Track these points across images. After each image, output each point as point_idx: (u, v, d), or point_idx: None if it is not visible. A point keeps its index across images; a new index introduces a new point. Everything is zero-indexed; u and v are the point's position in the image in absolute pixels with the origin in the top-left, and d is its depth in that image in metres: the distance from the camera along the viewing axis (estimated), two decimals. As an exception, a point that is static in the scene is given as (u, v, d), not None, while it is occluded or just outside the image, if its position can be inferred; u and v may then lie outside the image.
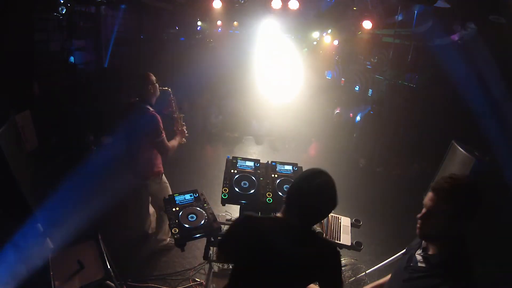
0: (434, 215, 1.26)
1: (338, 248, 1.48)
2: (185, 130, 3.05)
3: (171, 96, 3.01)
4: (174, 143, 2.88)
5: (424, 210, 1.30)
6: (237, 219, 1.57)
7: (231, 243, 1.48)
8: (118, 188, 3.21)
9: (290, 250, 1.34)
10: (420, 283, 1.27)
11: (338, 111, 7.20)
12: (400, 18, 5.46)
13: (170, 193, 2.74)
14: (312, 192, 1.33)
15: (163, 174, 3.04)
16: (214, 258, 1.68)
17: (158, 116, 2.70)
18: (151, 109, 2.74)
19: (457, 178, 1.26)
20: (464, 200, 1.22)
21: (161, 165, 2.96)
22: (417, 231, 1.32)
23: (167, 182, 3.09)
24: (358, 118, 6.69)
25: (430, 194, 1.28)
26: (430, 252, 1.31)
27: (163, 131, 2.73)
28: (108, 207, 3.31)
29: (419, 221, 1.31)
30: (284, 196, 1.46)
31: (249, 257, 1.41)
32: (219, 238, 1.57)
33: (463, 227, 1.25)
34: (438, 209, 1.25)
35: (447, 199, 1.23)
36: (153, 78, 2.77)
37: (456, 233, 1.26)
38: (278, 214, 1.47)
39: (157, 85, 2.80)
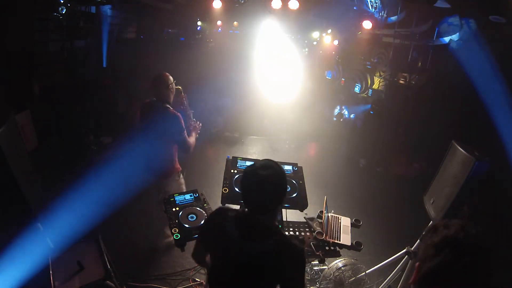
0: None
1: (301, 253, 1.42)
2: (199, 125, 3.08)
3: (182, 93, 3.04)
4: (192, 139, 2.93)
5: None
6: (214, 210, 1.61)
7: (201, 233, 1.64)
8: (136, 188, 3.29)
9: (239, 243, 1.35)
10: None
11: (338, 110, 7.20)
12: (400, 18, 5.46)
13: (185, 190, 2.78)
14: (252, 187, 1.37)
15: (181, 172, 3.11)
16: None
17: (179, 114, 2.77)
18: (171, 108, 2.79)
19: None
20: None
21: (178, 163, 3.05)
22: None
23: (183, 179, 3.15)
24: (352, 115, 6.71)
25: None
26: None
27: (185, 129, 2.79)
28: (118, 208, 3.33)
29: None
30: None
31: (211, 249, 1.49)
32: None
33: None
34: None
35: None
36: (171, 77, 2.83)
37: None
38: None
39: (174, 84, 2.86)
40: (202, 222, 1.64)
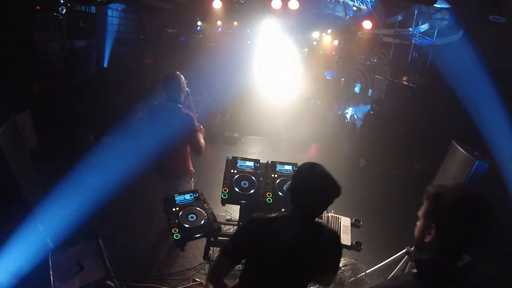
0: (420, 218, 1.21)
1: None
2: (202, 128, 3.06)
3: (190, 96, 3.01)
4: (202, 140, 2.89)
5: None
6: (244, 225, 1.57)
7: (238, 248, 1.50)
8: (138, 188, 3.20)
9: (298, 244, 1.40)
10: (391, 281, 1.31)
11: (346, 111, 7.19)
12: (400, 18, 5.46)
13: None
14: (314, 183, 1.38)
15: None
16: (211, 270, 1.65)
17: (192, 114, 2.74)
18: (183, 108, 2.76)
19: (446, 187, 1.14)
20: (440, 211, 1.11)
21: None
22: None
23: (192, 183, 3.12)
24: (348, 112, 6.69)
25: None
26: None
27: (197, 129, 2.77)
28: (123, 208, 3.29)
29: None
30: (286, 193, 1.49)
31: (259, 257, 1.45)
32: (223, 245, 1.55)
33: (434, 241, 1.11)
34: (421, 213, 1.20)
35: (428, 203, 1.17)
36: (182, 77, 2.78)
37: (430, 246, 1.14)
38: (284, 213, 1.51)
39: (185, 84, 2.82)
40: (234, 237, 1.51)
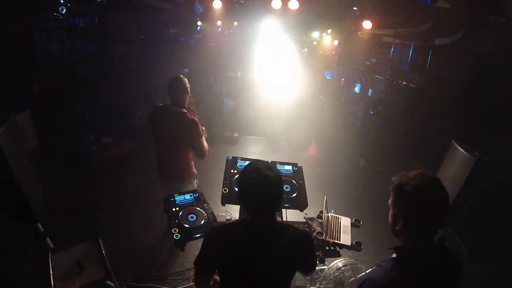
0: (390, 207, 1.27)
1: (310, 234, 1.58)
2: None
3: (192, 99, 3.03)
4: (205, 144, 2.92)
5: None
6: (206, 235, 1.52)
7: (206, 260, 1.47)
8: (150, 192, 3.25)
9: (257, 248, 1.35)
10: (369, 270, 1.32)
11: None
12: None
13: None
14: (250, 180, 1.33)
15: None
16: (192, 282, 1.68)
17: (197, 119, 2.77)
18: (187, 113, 2.78)
19: (410, 173, 1.21)
20: (399, 195, 1.20)
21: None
22: None
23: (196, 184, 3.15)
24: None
25: None
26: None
27: (202, 135, 2.81)
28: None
29: None
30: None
31: (224, 266, 1.43)
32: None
33: (404, 229, 1.19)
34: (390, 202, 1.27)
35: (391, 189, 1.25)
36: (186, 80, 2.80)
37: (402, 233, 1.22)
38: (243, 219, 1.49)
39: (189, 87, 2.84)
40: (201, 250, 1.47)
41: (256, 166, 1.35)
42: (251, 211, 1.39)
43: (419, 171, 1.20)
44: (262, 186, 1.30)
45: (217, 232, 1.48)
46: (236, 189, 2.33)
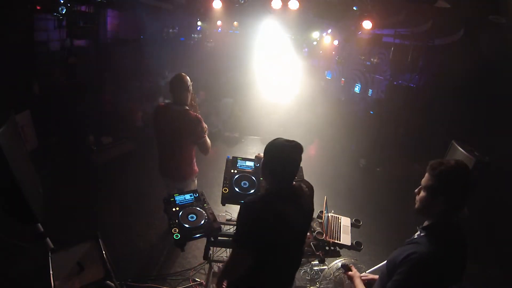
0: (423, 189, 1.42)
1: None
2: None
3: (193, 94, 3.02)
4: (209, 140, 2.92)
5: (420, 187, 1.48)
6: (245, 212, 1.49)
7: (254, 234, 1.46)
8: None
9: (298, 213, 1.55)
10: (404, 248, 1.43)
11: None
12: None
13: None
14: (286, 152, 1.52)
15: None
16: (228, 269, 1.59)
17: (200, 116, 2.77)
18: (190, 110, 2.78)
19: (448, 161, 1.39)
20: (445, 180, 1.35)
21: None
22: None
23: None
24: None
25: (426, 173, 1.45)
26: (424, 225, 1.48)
27: (206, 131, 2.81)
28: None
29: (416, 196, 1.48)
30: (265, 172, 1.59)
31: (277, 235, 1.48)
32: (234, 238, 1.55)
33: (444, 206, 1.35)
34: (425, 184, 1.41)
35: (433, 176, 1.38)
36: (188, 78, 2.80)
37: (438, 211, 1.38)
38: (264, 191, 1.69)
39: (191, 86, 2.84)
40: (245, 225, 1.47)
41: (282, 141, 1.55)
42: (282, 179, 1.55)
43: (455, 160, 1.40)
44: (294, 155, 1.52)
45: (261, 204, 1.51)
46: (236, 189, 2.33)
